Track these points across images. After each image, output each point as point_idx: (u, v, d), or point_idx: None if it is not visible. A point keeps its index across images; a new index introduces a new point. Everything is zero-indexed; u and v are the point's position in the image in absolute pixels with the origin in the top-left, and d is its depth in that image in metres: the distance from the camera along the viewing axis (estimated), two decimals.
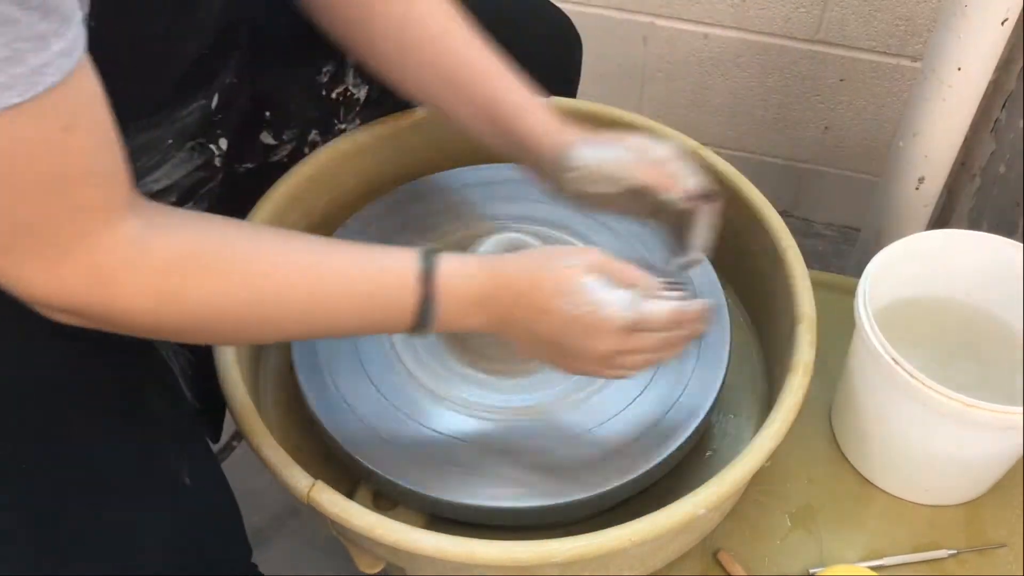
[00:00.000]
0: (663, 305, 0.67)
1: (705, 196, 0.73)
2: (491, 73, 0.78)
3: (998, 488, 0.87)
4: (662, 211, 0.75)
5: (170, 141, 0.75)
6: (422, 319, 0.65)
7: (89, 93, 0.55)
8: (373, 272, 0.65)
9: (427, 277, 0.65)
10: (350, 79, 0.89)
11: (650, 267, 0.70)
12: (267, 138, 0.89)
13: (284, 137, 0.90)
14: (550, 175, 0.76)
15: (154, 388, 0.68)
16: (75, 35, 0.52)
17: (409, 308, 0.65)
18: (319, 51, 0.86)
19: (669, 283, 0.69)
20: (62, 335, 0.63)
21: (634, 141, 0.74)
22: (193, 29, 0.68)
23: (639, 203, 0.75)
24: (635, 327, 0.66)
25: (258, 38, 0.85)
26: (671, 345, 0.70)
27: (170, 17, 0.64)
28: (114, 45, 0.60)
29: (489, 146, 0.80)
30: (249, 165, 0.89)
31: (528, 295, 0.66)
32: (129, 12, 0.60)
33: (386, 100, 0.92)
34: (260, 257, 0.61)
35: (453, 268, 0.66)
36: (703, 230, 0.74)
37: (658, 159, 0.73)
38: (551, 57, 1.00)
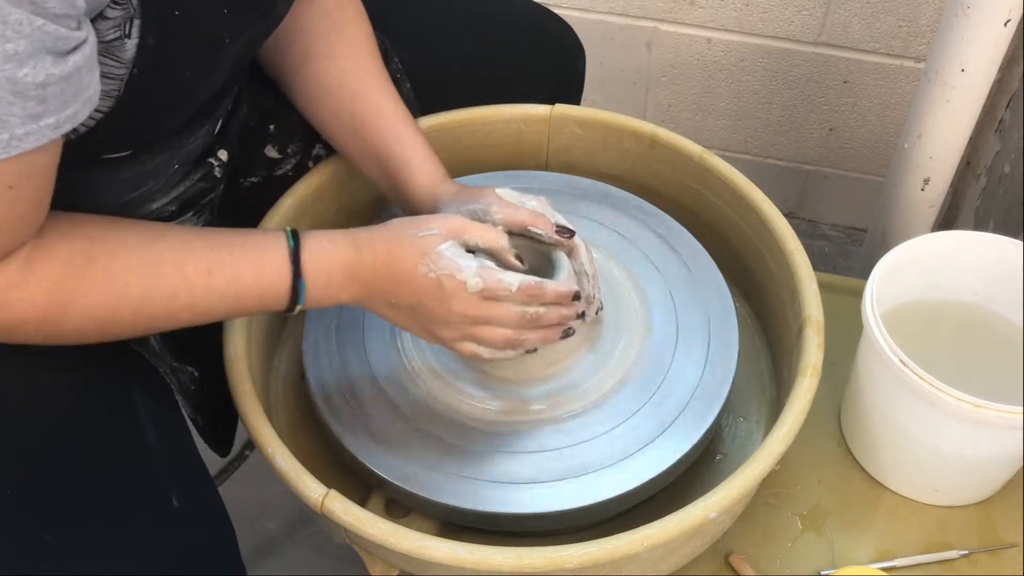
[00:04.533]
0: (514, 276, 0.71)
1: (569, 231, 0.77)
2: (385, 122, 0.83)
3: (1008, 488, 0.88)
4: (540, 249, 0.78)
5: (176, 165, 0.76)
6: (294, 297, 0.69)
7: (49, 161, 0.58)
8: (249, 258, 0.68)
9: (295, 255, 0.68)
10: None
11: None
12: (271, 152, 0.90)
13: (288, 151, 0.90)
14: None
15: (147, 408, 0.68)
16: (75, 111, 0.55)
17: (281, 289, 0.68)
18: None
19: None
20: (53, 359, 0.64)
21: (500, 192, 0.77)
22: (214, 71, 0.69)
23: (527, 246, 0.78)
24: (487, 293, 0.70)
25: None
26: (531, 323, 0.73)
27: (197, 61, 0.66)
28: (146, 88, 0.61)
29: (388, 198, 0.86)
30: (254, 179, 0.90)
31: (390, 264, 0.70)
32: (166, 59, 0.62)
33: None
34: (139, 260, 0.64)
35: (319, 243, 0.69)
36: (573, 261, 0.78)
37: (516, 202, 0.77)
38: (554, 68, 1.01)
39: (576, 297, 0.75)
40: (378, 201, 0.95)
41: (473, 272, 0.70)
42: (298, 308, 0.70)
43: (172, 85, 0.65)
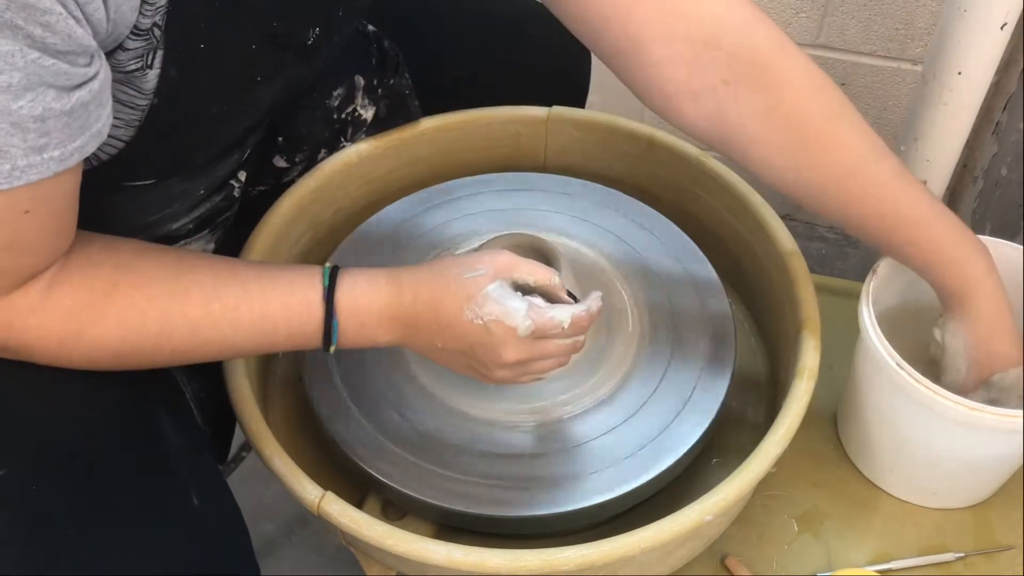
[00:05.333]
0: (564, 312, 0.68)
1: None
2: None
3: (1004, 491, 0.88)
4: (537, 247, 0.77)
5: (202, 191, 0.77)
6: (327, 337, 0.67)
7: (65, 188, 0.58)
8: (279, 295, 0.66)
9: (329, 294, 0.66)
10: (359, 100, 0.90)
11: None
12: (280, 161, 0.90)
13: (296, 159, 0.90)
14: None
15: (165, 411, 0.68)
16: (82, 144, 0.55)
17: (313, 327, 0.67)
18: (331, 78, 0.86)
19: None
20: None
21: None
22: (245, 110, 0.69)
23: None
24: (539, 333, 0.68)
25: None
26: (579, 347, 0.72)
27: (223, 98, 0.66)
28: (169, 120, 0.62)
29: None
30: (262, 188, 0.90)
31: (434, 308, 0.67)
32: (189, 92, 0.62)
33: (392, 120, 0.93)
34: (162, 292, 0.63)
35: (356, 284, 0.67)
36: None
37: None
38: (561, 68, 1.01)
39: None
40: (375, 203, 0.95)
41: (523, 316, 0.67)
42: (332, 348, 0.68)
43: (197, 119, 0.65)
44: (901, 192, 0.74)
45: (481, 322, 0.66)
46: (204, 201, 0.78)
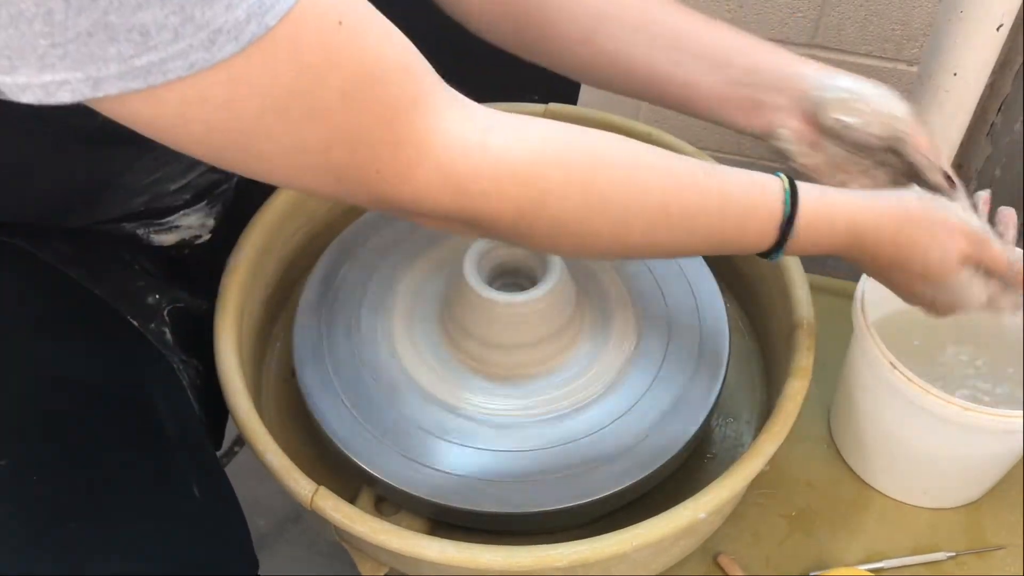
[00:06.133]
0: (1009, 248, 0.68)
1: (951, 180, 0.70)
2: (712, 28, 0.74)
3: (997, 491, 0.88)
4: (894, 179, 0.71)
5: None
6: (772, 253, 0.64)
7: None
8: (735, 201, 0.61)
9: (786, 226, 0.62)
10: None
11: None
12: None
13: None
14: (804, 108, 0.71)
15: (165, 400, 0.68)
16: None
17: (762, 248, 0.63)
18: None
19: None
20: (76, 346, 0.64)
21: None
22: None
23: (884, 166, 0.72)
24: (983, 242, 0.66)
25: None
26: (995, 300, 0.69)
27: None
28: None
29: (711, 98, 0.74)
30: None
31: (893, 267, 0.67)
32: None
33: None
34: (623, 178, 0.58)
35: (816, 220, 0.63)
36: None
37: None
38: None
39: None
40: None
41: (977, 303, 0.68)
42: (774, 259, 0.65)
43: None
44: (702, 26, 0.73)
45: (932, 293, 0.68)
46: (195, 164, 0.76)
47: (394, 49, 0.50)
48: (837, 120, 0.69)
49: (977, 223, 0.67)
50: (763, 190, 0.62)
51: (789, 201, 0.62)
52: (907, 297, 0.71)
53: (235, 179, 0.82)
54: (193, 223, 0.80)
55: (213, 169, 0.79)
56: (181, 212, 0.78)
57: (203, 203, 0.80)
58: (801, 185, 0.63)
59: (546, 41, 0.76)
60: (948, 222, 0.66)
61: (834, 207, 0.64)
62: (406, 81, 0.51)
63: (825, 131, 0.71)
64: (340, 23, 0.46)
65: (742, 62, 0.72)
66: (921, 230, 0.65)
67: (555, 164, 0.56)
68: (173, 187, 0.76)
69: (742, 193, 0.62)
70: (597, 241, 0.60)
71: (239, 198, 0.84)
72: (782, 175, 0.63)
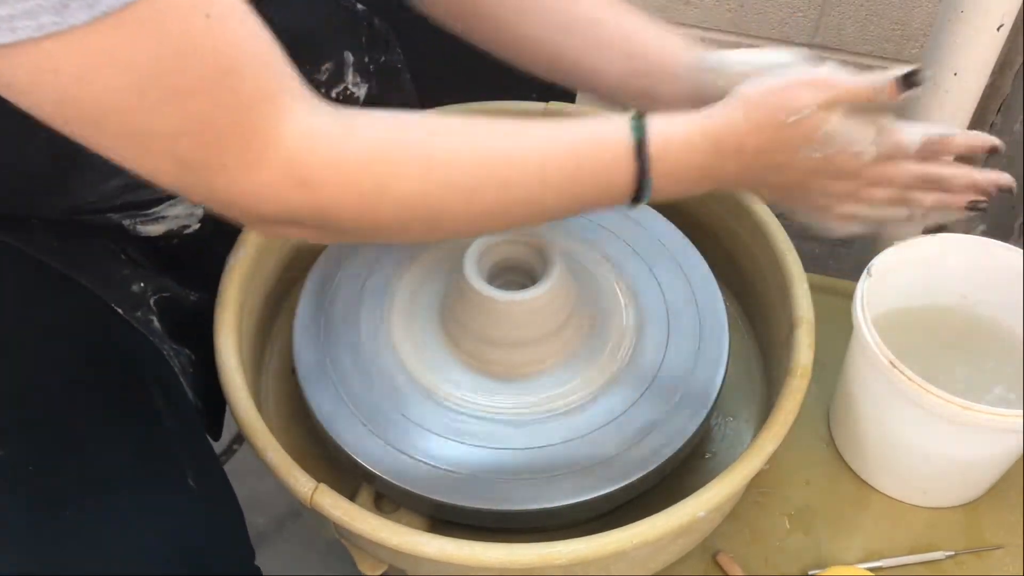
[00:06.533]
0: (916, 131, 0.63)
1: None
2: (621, 18, 0.73)
3: (996, 490, 0.88)
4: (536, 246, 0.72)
5: None
6: (637, 195, 0.62)
7: None
8: (582, 144, 0.60)
9: (640, 152, 0.60)
10: (349, 78, 0.89)
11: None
12: None
13: None
14: (693, 85, 0.70)
15: (158, 388, 0.68)
16: None
17: (626, 188, 0.61)
18: (318, 49, 0.86)
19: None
20: (68, 335, 0.64)
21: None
22: None
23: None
24: (885, 155, 0.63)
25: None
26: (933, 182, 0.65)
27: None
28: None
29: (613, 87, 0.74)
30: None
31: (763, 157, 0.62)
32: None
33: (386, 99, 0.92)
34: (459, 141, 0.58)
35: (668, 145, 0.61)
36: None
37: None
38: None
39: (994, 151, 0.67)
40: None
41: (869, 142, 0.62)
42: (642, 203, 0.63)
43: None
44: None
45: (821, 155, 0.62)
46: None
47: (257, 45, 0.52)
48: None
49: (824, 70, 0.62)
50: (610, 128, 0.61)
51: (635, 127, 0.60)
52: (805, 193, 0.65)
53: None
54: (180, 213, 0.79)
55: None
56: (167, 203, 0.78)
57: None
58: (649, 115, 0.61)
59: (477, 20, 0.77)
60: (787, 83, 0.62)
61: (685, 123, 0.62)
62: (264, 76, 0.52)
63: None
64: (208, 15, 0.48)
65: (643, 52, 0.72)
66: (767, 102, 0.62)
67: (396, 146, 0.56)
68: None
69: (589, 134, 0.61)
70: (447, 219, 0.59)
71: None
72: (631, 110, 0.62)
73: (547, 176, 0.60)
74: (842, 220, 0.67)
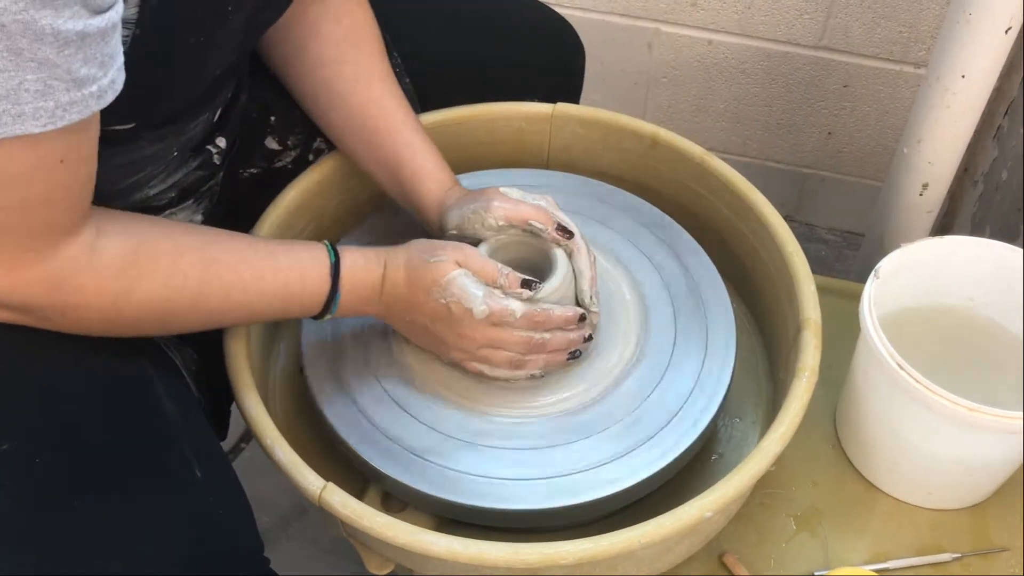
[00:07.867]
0: (519, 303, 0.75)
1: (568, 232, 0.79)
2: (396, 130, 0.84)
3: (1001, 492, 0.88)
4: (542, 247, 0.80)
5: (175, 152, 0.76)
6: (327, 308, 0.74)
7: (92, 131, 0.59)
8: (299, 268, 0.73)
9: (335, 269, 0.74)
10: None
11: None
12: (271, 143, 0.90)
13: (288, 143, 0.90)
14: (439, 234, 0.83)
15: (163, 383, 0.69)
16: (112, 78, 0.56)
17: (319, 299, 0.74)
18: None
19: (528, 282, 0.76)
20: (68, 336, 0.65)
21: (504, 190, 0.80)
22: (220, 42, 0.69)
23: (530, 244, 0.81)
24: (494, 319, 0.74)
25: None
26: (536, 348, 0.76)
27: (201, 28, 0.65)
28: (150, 54, 0.61)
29: (396, 200, 0.88)
30: (253, 170, 0.90)
31: (409, 286, 0.75)
32: (169, 21, 0.62)
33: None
34: (198, 259, 0.68)
35: (355, 261, 0.75)
36: (573, 261, 0.79)
37: (516, 200, 0.79)
38: (553, 65, 1.01)
39: (582, 319, 0.78)
40: (378, 196, 0.95)
41: (480, 300, 0.73)
42: (327, 317, 0.75)
43: (178, 52, 0.65)
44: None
45: (444, 301, 0.74)
46: (181, 167, 0.78)
47: (82, 187, 0.61)
48: (453, 235, 0.80)
49: (481, 303, 0.74)
50: (312, 253, 0.74)
51: (332, 250, 0.74)
52: (437, 343, 0.78)
53: (220, 175, 0.83)
54: (182, 220, 0.80)
55: (200, 167, 0.80)
56: (167, 211, 0.79)
57: (190, 201, 0.81)
58: (342, 249, 0.75)
59: (292, 82, 0.88)
60: (433, 245, 0.76)
61: (369, 251, 0.76)
62: (74, 210, 0.61)
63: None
64: (62, 161, 0.57)
65: (405, 178, 0.84)
66: (421, 246, 0.76)
67: (146, 257, 0.66)
68: (154, 191, 0.77)
69: (295, 258, 0.73)
70: (178, 319, 0.70)
71: (226, 192, 0.85)
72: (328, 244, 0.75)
73: (264, 291, 0.71)
74: (473, 370, 0.79)
